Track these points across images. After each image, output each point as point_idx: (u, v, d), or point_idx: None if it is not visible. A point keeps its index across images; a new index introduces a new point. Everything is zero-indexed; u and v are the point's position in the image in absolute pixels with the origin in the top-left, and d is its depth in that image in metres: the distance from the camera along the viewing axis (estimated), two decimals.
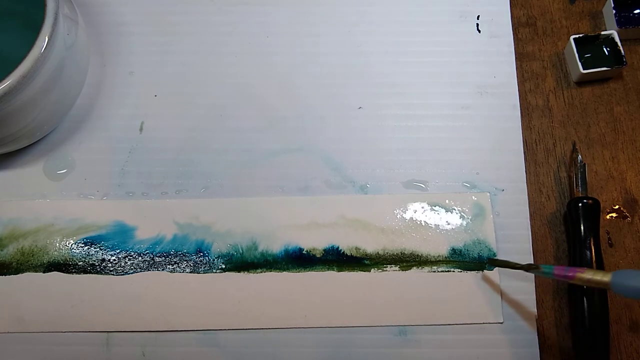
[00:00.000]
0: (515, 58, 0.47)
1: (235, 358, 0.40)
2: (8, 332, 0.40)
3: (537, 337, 0.40)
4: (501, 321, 0.40)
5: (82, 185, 0.44)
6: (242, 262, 0.41)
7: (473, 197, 0.43)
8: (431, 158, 0.44)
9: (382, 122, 0.45)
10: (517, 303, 0.40)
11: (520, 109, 0.45)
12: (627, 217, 0.43)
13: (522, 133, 0.45)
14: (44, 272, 0.41)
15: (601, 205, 0.42)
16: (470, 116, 0.45)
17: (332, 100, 0.46)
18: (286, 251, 0.42)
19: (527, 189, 0.43)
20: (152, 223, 0.42)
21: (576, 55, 0.45)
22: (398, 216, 0.42)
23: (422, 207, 0.43)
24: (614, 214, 0.43)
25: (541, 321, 0.41)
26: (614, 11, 0.46)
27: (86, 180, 0.44)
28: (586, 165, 0.43)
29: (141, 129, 0.45)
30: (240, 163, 0.44)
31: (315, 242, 0.42)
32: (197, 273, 0.41)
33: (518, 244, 0.42)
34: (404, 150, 0.44)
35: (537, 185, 0.44)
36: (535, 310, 0.40)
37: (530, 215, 0.43)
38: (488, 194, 0.43)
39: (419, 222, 0.42)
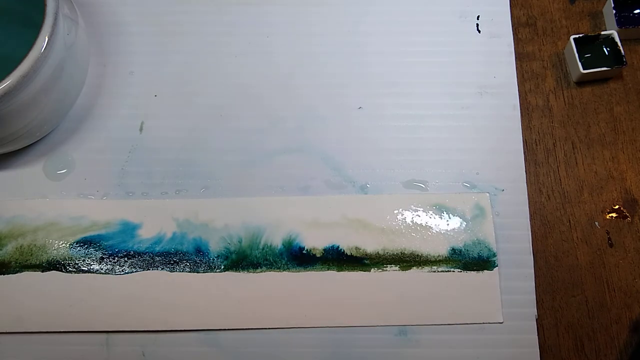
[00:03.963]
0: (515, 58, 0.47)
1: (235, 358, 0.40)
2: (7, 332, 0.40)
3: (537, 337, 0.40)
4: (501, 321, 0.40)
5: (82, 185, 0.44)
6: (242, 261, 0.41)
7: (473, 197, 0.43)
8: (431, 158, 0.44)
9: (382, 122, 0.45)
10: (517, 303, 0.40)
11: (520, 109, 0.45)
12: (627, 217, 0.43)
13: (522, 133, 0.45)
14: (42, 271, 0.41)
15: (601, 205, 0.42)
16: (470, 116, 0.45)
17: (332, 100, 0.46)
18: (287, 250, 0.42)
19: (527, 189, 0.43)
20: (154, 222, 0.42)
21: (576, 55, 0.45)
22: (398, 216, 0.42)
23: (422, 207, 0.43)
24: (614, 214, 0.43)
25: (541, 321, 0.41)
26: (614, 11, 0.46)
27: (86, 180, 0.44)
28: (585, 165, 0.43)
29: (141, 129, 0.45)
30: (240, 163, 0.44)
31: (316, 241, 0.42)
32: (197, 272, 0.41)
33: (518, 244, 0.42)
34: (404, 150, 0.44)
35: (537, 185, 0.44)
36: (535, 310, 0.40)
37: (530, 215, 0.43)
38: (488, 194, 0.43)
39: (419, 222, 0.42)
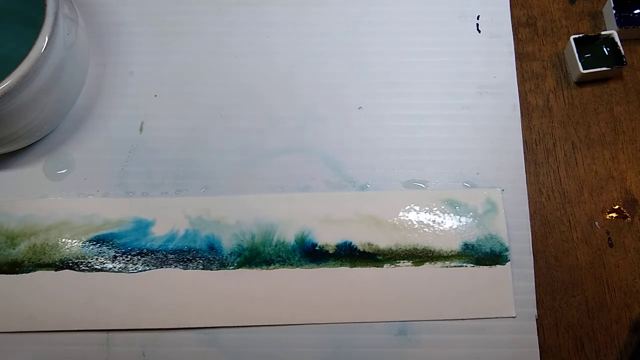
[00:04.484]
0: (515, 58, 0.47)
1: (235, 358, 0.40)
2: (19, 332, 0.40)
3: (537, 337, 0.40)
4: (514, 315, 0.40)
5: (82, 185, 0.44)
6: (255, 258, 0.41)
7: (484, 192, 0.43)
8: (431, 158, 0.44)
9: (382, 122, 0.45)
10: (517, 303, 0.40)
11: (520, 109, 0.45)
12: (627, 217, 0.43)
13: (522, 133, 0.45)
14: (55, 270, 0.41)
15: (601, 205, 0.42)
16: (470, 116, 0.45)
17: (332, 100, 0.46)
18: (300, 246, 0.42)
19: (527, 189, 0.43)
20: (167, 219, 0.42)
21: (576, 55, 0.45)
22: (410, 212, 0.43)
23: (434, 203, 0.43)
24: (614, 214, 0.43)
25: (541, 321, 0.41)
26: (614, 11, 0.46)
27: (86, 180, 0.44)
28: (586, 164, 0.43)
29: (141, 129, 0.45)
30: (240, 163, 0.44)
31: (328, 237, 0.42)
32: (210, 270, 0.41)
33: (518, 244, 0.42)
34: (404, 150, 0.44)
35: (537, 185, 0.44)
36: (535, 310, 0.40)
37: (530, 215, 0.43)
38: (499, 189, 0.43)
39: (431, 218, 0.42)
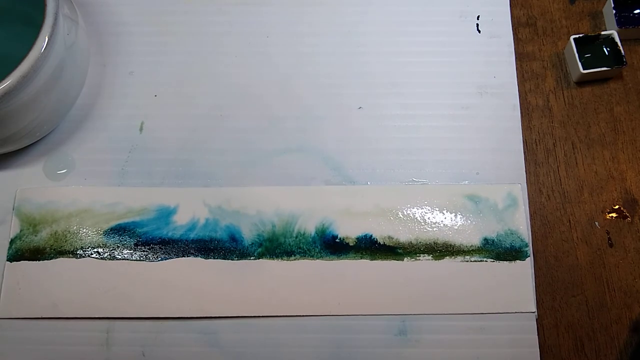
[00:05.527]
0: (515, 58, 0.47)
1: (235, 358, 0.40)
2: (41, 318, 0.40)
3: (537, 337, 0.40)
4: (533, 310, 0.40)
5: (82, 185, 0.44)
6: (276, 249, 0.41)
7: (505, 187, 0.43)
8: (431, 158, 0.44)
9: (382, 122, 0.45)
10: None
11: (520, 109, 0.45)
12: (627, 217, 0.43)
13: (522, 133, 0.45)
14: (76, 258, 0.41)
15: (601, 205, 0.42)
16: (470, 116, 0.45)
17: (332, 100, 0.46)
18: (320, 238, 0.42)
19: (527, 189, 0.43)
20: (187, 209, 0.42)
21: (576, 55, 0.45)
22: (431, 206, 0.43)
23: (455, 198, 0.43)
24: (614, 214, 0.43)
25: (541, 321, 0.41)
26: (614, 11, 0.46)
27: (86, 180, 0.44)
28: (586, 165, 0.43)
29: (141, 129, 0.45)
30: (240, 163, 0.44)
31: (349, 230, 0.42)
32: (231, 260, 0.41)
33: None
34: (404, 150, 0.44)
35: (537, 185, 0.44)
36: (536, 310, 0.40)
37: (530, 215, 0.43)
38: (520, 185, 0.43)
39: (451, 212, 0.42)
